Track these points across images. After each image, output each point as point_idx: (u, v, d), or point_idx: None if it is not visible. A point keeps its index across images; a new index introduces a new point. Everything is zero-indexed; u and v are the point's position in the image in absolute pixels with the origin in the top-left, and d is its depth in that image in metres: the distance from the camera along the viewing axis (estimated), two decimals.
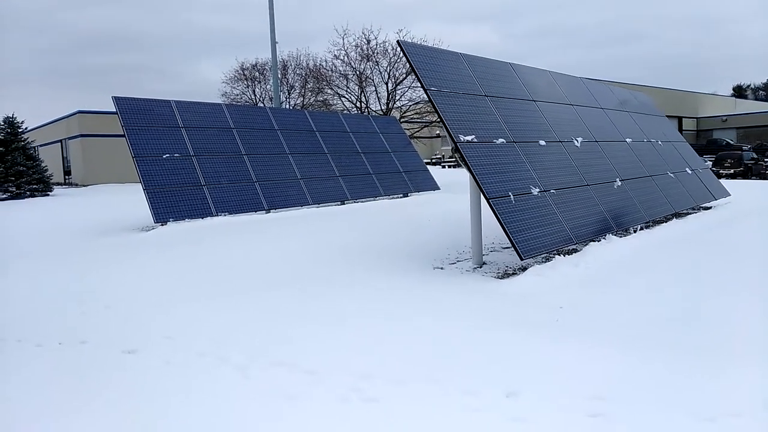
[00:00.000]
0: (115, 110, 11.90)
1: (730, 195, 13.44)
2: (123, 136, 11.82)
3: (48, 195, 22.16)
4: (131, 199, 16.90)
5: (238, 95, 33.84)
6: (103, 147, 27.37)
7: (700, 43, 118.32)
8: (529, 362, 3.78)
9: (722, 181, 16.18)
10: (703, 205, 12.21)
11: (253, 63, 33.69)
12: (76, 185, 28.36)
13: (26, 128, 23.79)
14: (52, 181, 23.18)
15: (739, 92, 67.42)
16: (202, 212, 11.78)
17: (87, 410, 3.27)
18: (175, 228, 10.71)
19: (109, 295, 5.86)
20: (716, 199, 12.61)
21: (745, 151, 29.23)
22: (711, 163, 26.26)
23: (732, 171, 25.58)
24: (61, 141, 31.17)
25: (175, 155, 12.20)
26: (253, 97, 33.79)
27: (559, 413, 3.07)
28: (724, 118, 46.31)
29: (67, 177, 30.91)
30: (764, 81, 72.21)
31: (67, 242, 9.64)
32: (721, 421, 2.93)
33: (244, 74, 33.68)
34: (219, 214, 12.01)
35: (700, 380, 3.44)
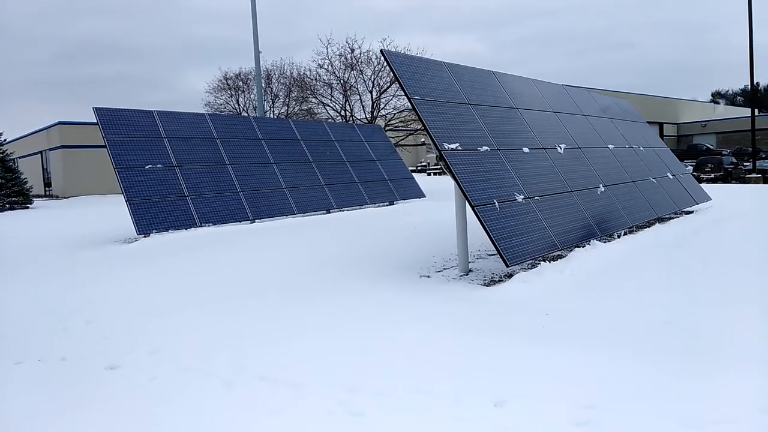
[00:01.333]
0: (96, 121, 11.76)
1: (711, 199, 13.63)
2: (104, 147, 11.67)
3: (28, 207, 21.80)
4: (113, 211, 16.67)
5: (221, 105, 33.70)
6: (85, 158, 27.02)
7: (681, 51, 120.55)
8: (516, 370, 3.77)
9: (703, 185, 16.41)
10: (685, 210, 12.37)
11: (237, 72, 33.61)
12: (57, 197, 27.95)
13: (5, 140, 23.44)
14: (32, 193, 22.82)
15: (718, 98, 68.80)
16: (186, 223, 11.65)
17: (69, 426, 3.18)
18: (158, 240, 10.58)
19: (90, 310, 5.74)
20: (698, 204, 12.78)
21: (725, 155, 29.78)
22: (692, 168, 26.68)
23: (713, 175, 26.01)
24: (41, 152, 30.73)
25: (158, 166, 12.07)
26: (237, 106, 33.66)
27: (546, 421, 3.05)
28: (704, 123, 47.16)
29: (47, 189, 30.45)
30: (741, 87, 73.70)
31: (48, 256, 9.47)
32: (711, 428, 2.93)
33: (227, 84, 33.56)
34: (203, 224, 11.89)
35: (689, 386, 3.44)
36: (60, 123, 27.59)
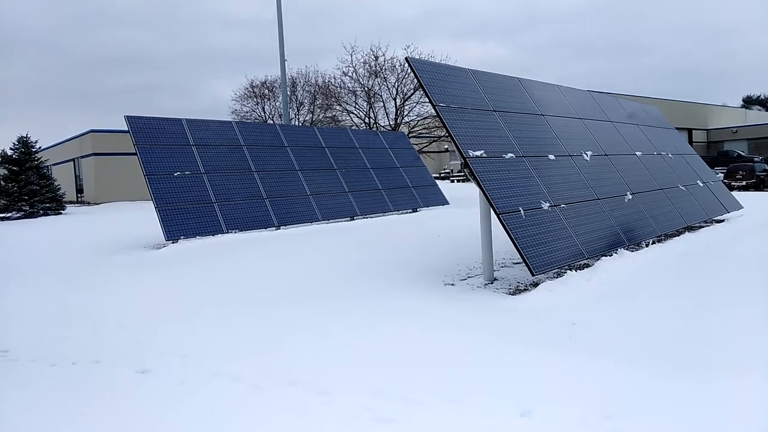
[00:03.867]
0: (127, 129, 12.07)
1: (742, 207, 13.31)
2: (135, 154, 11.96)
3: (61, 213, 22.39)
4: (143, 217, 17.04)
5: (247, 112, 34.18)
6: (116, 165, 27.68)
7: (710, 55, 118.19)
8: (542, 379, 3.75)
9: (734, 193, 16.04)
10: (716, 218, 12.10)
11: (263, 80, 34.07)
12: (89, 203, 28.65)
13: (40, 147, 24.14)
14: (64, 199, 23.43)
15: (749, 102, 67.08)
16: (213, 229, 11.85)
17: (101, 429, 3.27)
18: (186, 245, 10.78)
19: (121, 314, 5.89)
20: (728, 212, 12.50)
21: (757, 162, 28.99)
22: (722, 175, 26.07)
23: (744, 183, 25.37)
24: (73, 160, 31.57)
25: (186, 173, 12.32)
26: (262, 114, 34.12)
27: (572, 430, 3.03)
28: (735, 129, 46.03)
29: (79, 195, 31.25)
30: None
31: (80, 260, 9.72)
32: None
33: (253, 91, 34.06)
34: (229, 230, 12.07)
35: (714, 397, 3.38)
36: (92, 131, 28.33)
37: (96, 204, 27.36)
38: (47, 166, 24.39)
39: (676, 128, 15.14)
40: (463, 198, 19.86)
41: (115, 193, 27.51)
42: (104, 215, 20.28)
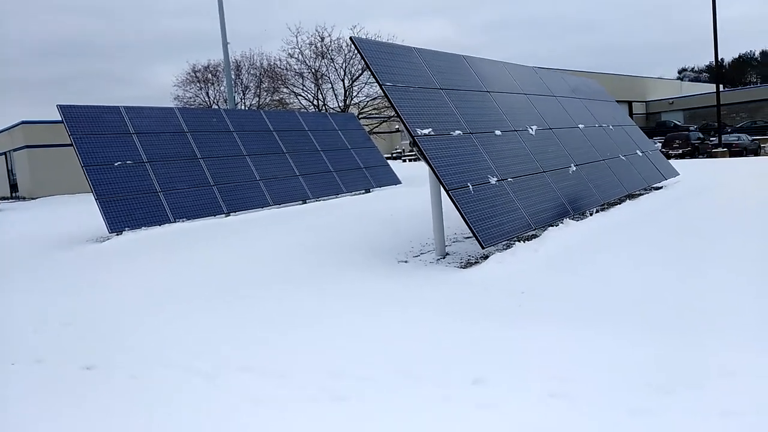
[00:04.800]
0: (61, 119, 11.46)
1: (679, 174, 13.97)
2: (71, 145, 11.40)
3: None
4: (84, 210, 16.32)
5: (191, 98, 33.13)
6: (51, 158, 26.33)
7: (645, 30, 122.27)
8: (493, 349, 3.84)
9: (672, 161, 16.81)
10: (655, 186, 12.65)
11: (205, 65, 33.04)
12: (24, 198, 27.23)
13: None
14: None
15: (682, 75, 70.17)
16: (159, 219, 11.49)
17: (50, 429, 3.15)
18: (131, 237, 10.41)
19: (64, 312, 5.64)
20: (666, 179, 13.08)
21: (692, 131, 30.41)
22: (661, 144, 27.23)
23: (680, 151, 26.62)
24: (5, 153, 29.85)
25: (128, 162, 11.85)
26: (207, 99, 33.14)
27: (523, 396, 3.13)
28: (671, 100, 48.05)
29: (13, 191, 29.64)
30: (706, 64, 75.18)
31: (17, 257, 9.25)
32: (681, 392, 3.04)
33: (196, 76, 33.00)
34: (177, 220, 11.73)
35: (660, 355, 3.56)
36: (23, 122, 26.81)
37: (32, 199, 26.03)
38: None
39: (617, 101, 15.66)
40: (415, 177, 19.98)
41: (52, 187, 26.23)
42: (42, 210, 19.32)
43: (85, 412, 3.34)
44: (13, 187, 29.69)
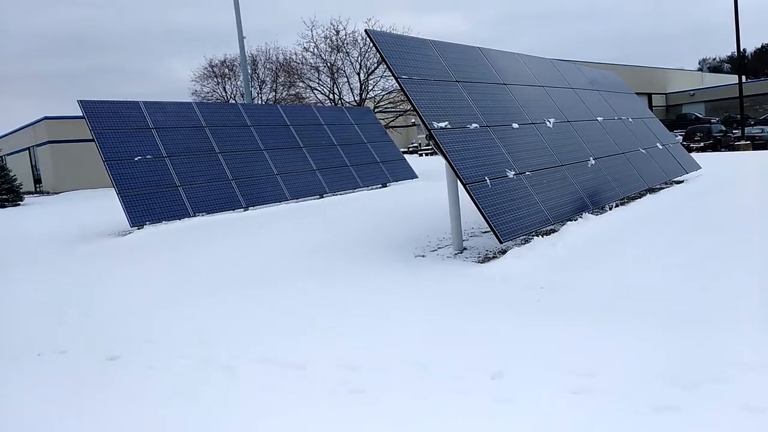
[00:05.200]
0: (82, 115, 11.64)
1: (701, 168, 13.72)
2: (92, 140, 11.57)
3: (19, 205, 21.64)
4: (105, 204, 16.59)
5: (208, 93, 33.35)
6: (73, 153, 26.76)
7: (666, 20, 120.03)
8: (511, 343, 3.83)
9: (693, 154, 16.50)
10: (676, 179, 12.45)
11: (222, 59, 33.23)
12: (48, 193, 27.74)
13: None
14: (22, 190, 22.63)
15: (703, 66, 68.82)
16: (179, 213, 11.63)
17: (71, 418, 3.22)
18: (152, 231, 10.56)
19: (87, 304, 5.76)
20: (688, 173, 12.87)
21: (714, 123, 29.86)
22: (681, 137, 26.78)
23: (702, 144, 26.13)
24: (28, 149, 30.40)
25: (148, 157, 12.00)
26: (224, 94, 33.34)
27: (543, 391, 3.12)
28: (692, 92, 47.18)
29: (37, 185, 30.20)
30: (728, 54, 73.60)
31: (42, 251, 9.44)
32: (705, 387, 3.00)
33: (213, 71, 33.20)
34: (196, 214, 11.86)
35: (682, 350, 3.52)
36: (46, 118, 27.26)
37: (56, 193, 26.51)
38: (1, 157, 23.41)
39: (636, 93, 15.42)
40: (432, 171, 19.91)
41: (75, 182, 26.67)
42: (65, 204, 19.68)
43: (107, 401, 3.41)
44: (37, 181, 30.26)
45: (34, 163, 30.47)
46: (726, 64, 71.36)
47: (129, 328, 4.82)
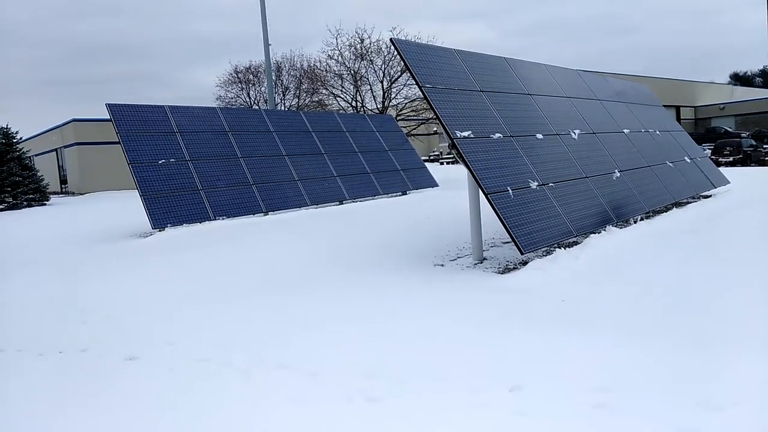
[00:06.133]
0: (109, 117, 11.86)
1: (729, 183, 13.41)
2: (118, 143, 11.78)
3: (45, 204, 22.11)
4: (128, 206, 16.85)
5: (232, 99, 33.79)
6: (99, 154, 27.31)
7: (697, 33, 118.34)
8: (531, 356, 3.75)
9: (722, 168, 16.14)
10: (703, 194, 12.18)
11: (247, 66, 33.66)
12: (73, 194, 28.31)
13: (21, 138, 23.73)
14: (48, 190, 23.12)
15: (736, 80, 67.44)
16: (200, 216, 11.74)
17: (90, 417, 3.23)
18: (173, 233, 10.68)
19: (109, 304, 5.82)
20: (716, 188, 12.58)
21: (744, 138, 29.22)
22: (710, 151, 26.25)
23: (731, 159, 25.57)
24: (56, 150, 31.11)
25: (171, 160, 12.16)
26: (247, 99, 33.75)
27: (562, 405, 3.04)
28: (722, 106, 46.27)
29: (63, 186, 30.86)
30: (760, 68, 72.10)
31: (66, 251, 9.60)
32: (731, 410, 2.89)
33: (237, 77, 33.64)
34: (217, 217, 11.97)
35: (706, 370, 3.40)
36: (74, 120, 27.88)
37: (81, 194, 27.04)
38: (29, 157, 23.99)
39: (664, 106, 15.17)
40: (453, 180, 19.82)
41: (99, 183, 27.18)
42: (89, 205, 20.04)
43: (124, 401, 3.42)
44: (63, 182, 30.92)
45: (60, 164, 31.15)
46: (758, 78, 69.88)
47: (149, 330, 4.85)
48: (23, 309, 5.85)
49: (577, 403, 3.06)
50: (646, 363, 3.54)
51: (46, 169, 28.00)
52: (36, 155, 31.16)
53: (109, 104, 11.92)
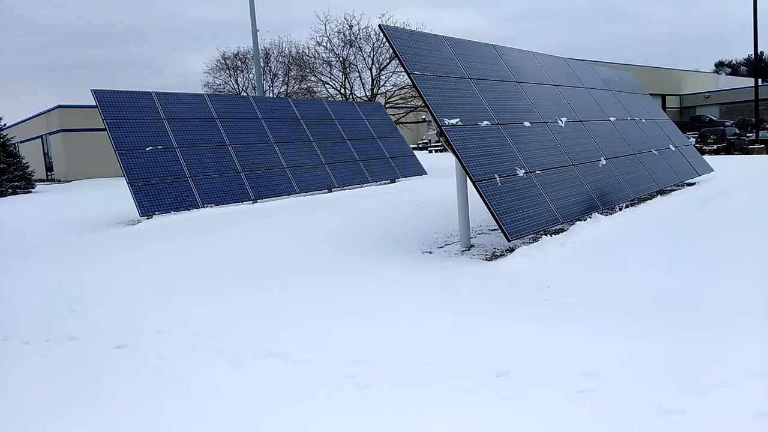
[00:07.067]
0: (95, 104, 11.72)
1: (713, 170, 13.59)
2: (104, 129, 11.65)
3: (30, 192, 21.84)
4: (116, 194, 16.71)
5: (220, 85, 33.48)
6: (85, 141, 26.97)
7: (682, 21, 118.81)
8: (517, 342, 3.82)
9: (705, 156, 16.36)
10: (687, 181, 12.34)
11: (235, 52, 33.31)
12: (59, 181, 27.99)
13: (5, 125, 23.36)
14: (33, 177, 22.83)
15: (719, 69, 67.91)
16: (188, 204, 11.69)
17: (79, 405, 3.25)
18: (161, 221, 10.63)
19: (96, 292, 5.81)
20: (700, 175, 12.75)
21: (728, 126, 29.55)
22: (694, 139, 26.53)
23: (715, 147, 25.87)
24: (41, 137, 30.66)
25: (159, 147, 12.06)
26: (236, 86, 33.44)
27: (548, 390, 3.11)
28: (707, 94, 46.67)
29: (49, 173, 30.47)
30: (745, 57, 72.65)
31: (52, 239, 9.53)
32: (712, 392, 2.98)
33: (225, 63, 33.30)
34: (205, 205, 11.92)
35: (691, 355, 3.49)
36: (59, 106, 27.46)
37: (67, 181, 26.74)
38: (14, 144, 23.65)
39: (650, 94, 15.28)
40: (441, 168, 19.88)
41: (86, 170, 26.88)
42: (76, 193, 19.84)
43: (112, 389, 3.44)
44: (49, 169, 30.52)
45: (46, 151, 30.73)
46: (743, 67, 70.45)
47: (139, 317, 4.86)
48: (8, 297, 5.82)
49: (562, 387, 3.13)
50: (632, 348, 3.62)
51: (31, 156, 27.61)
52: (21, 142, 30.71)
53: (94, 90, 11.76)
